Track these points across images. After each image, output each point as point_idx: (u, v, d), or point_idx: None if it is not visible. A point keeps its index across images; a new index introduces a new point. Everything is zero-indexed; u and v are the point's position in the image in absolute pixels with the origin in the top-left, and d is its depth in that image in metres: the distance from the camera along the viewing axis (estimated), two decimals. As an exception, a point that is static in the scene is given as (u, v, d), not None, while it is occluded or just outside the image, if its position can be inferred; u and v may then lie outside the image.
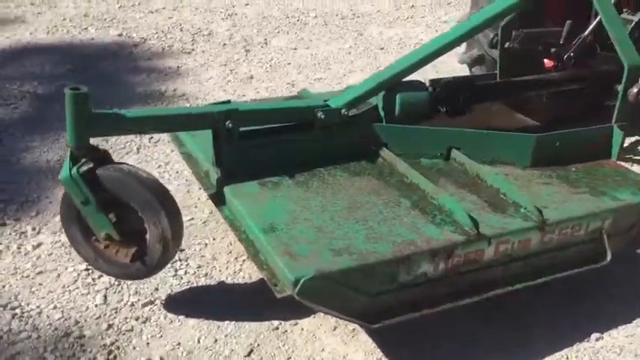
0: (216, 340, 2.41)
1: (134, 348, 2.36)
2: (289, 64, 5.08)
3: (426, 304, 2.16)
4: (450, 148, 2.67)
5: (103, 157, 2.28)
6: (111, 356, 2.31)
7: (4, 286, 2.62)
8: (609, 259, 2.44)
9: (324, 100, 2.60)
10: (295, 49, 5.41)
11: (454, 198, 2.36)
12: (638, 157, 3.78)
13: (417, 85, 2.76)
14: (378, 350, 2.39)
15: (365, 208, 2.30)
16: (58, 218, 2.68)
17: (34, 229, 2.99)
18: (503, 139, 2.66)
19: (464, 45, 4.09)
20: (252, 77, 4.81)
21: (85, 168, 2.15)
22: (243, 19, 6.06)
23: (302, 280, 1.91)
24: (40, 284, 2.65)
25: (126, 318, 2.49)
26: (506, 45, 3.32)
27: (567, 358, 2.40)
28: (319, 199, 2.34)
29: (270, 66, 5.02)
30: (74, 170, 2.16)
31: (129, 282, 2.65)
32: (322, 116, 2.51)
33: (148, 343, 2.38)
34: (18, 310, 2.49)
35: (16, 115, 4.08)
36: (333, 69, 5.01)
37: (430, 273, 2.15)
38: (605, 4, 2.77)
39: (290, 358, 2.36)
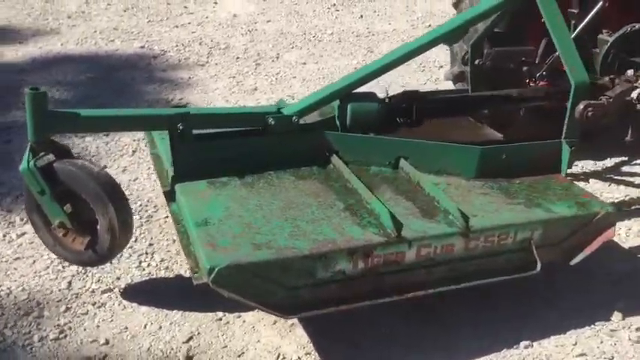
0: (160, 327, 2.59)
1: (84, 329, 2.57)
2: (294, 77, 5.28)
3: (344, 301, 2.29)
4: (399, 157, 2.79)
5: (62, 152, 2.51)
6: (62, 335, 2.52)
7: (-17, 269, 2.88)
8: (539, 269, 2.51)
9: (278, 107, 2.77)
10: (304, 63, 5.60)
11: (385, 203, 2.49)
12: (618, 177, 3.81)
13: (370, 97, 2.89)
14: (310, 345, 2.52)
15: (298, 209, 2.46)
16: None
17: (22, 219, 3.26)
18: (449, 150, 2.76)
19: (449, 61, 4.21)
20: (256, 89, 5.03)
21: (40, 161, 2.38)
22: (261, 34, 6.30)
23: (216, 269, 2.08)
24: (15, 269, 2.90)
25: (84, 302, 2.70)
26: (477, 62, 3.43)
27: (490, 363, 2.47)
28: (258, 198, 2.51)
29: (276, 79, 5.23)
30: (32, 163, 2.39)
31: (94, 270, 2.87)
32: (272, 122, 2.68)
33: (98, 326, 2.58)
34: (-11, 291, 2.74)
35: (30, 118, 4.39)
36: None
37: (349, 271, 2.28)
38: (554, 19, 2.85)
39: (225, 346, 2.51)
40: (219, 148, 2.67)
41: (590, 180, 3.82)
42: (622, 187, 3.75)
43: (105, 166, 3.84)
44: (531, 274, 2.51)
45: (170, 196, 2.64)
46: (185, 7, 7.07)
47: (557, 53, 3.37)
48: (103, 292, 2.76)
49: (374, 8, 7.24)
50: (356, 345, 2.51)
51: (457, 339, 2.56)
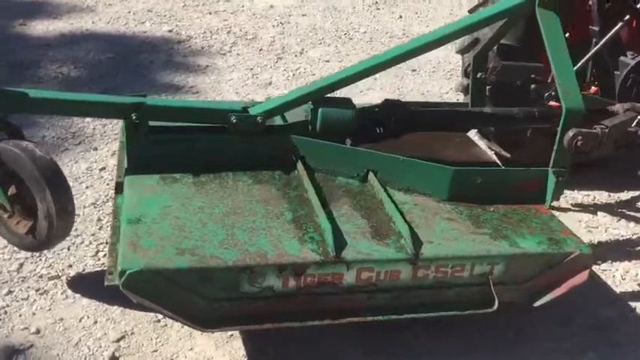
0: (96, 322, 2.51)
1: (20, 315, 2.51)
2: (313, 75, 5.13)
3: (273, 319, 2.14)
4: (368, 170, 2.61)
5: (14, 132, 2.45)
6: (-6, 319, 2.47)
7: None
8: (495, 307, 2.30)
9: (244, 106, 2.63)
10: (327, 61, 5.45)
11: (337, 218, 2.32)
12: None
13: (344, 102, 2.72)
14: (245, 358, 2.39)
15: (242, 215, 2.32)
16: None
17: None
18: (419, 167, 2.57)
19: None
20: (270, 83, 4.91)
21: None
22: (293, 28, 6.18)
23: (127, 272, 1.96)
24: (-26, 246, 2.87)
25: (28, 287, 2.65)
26: (479, 75, 3.20)
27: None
28: (204, 200, 2.38)
29: (294, 75, 5.09)
30: (-28, 142, 2.34)
31: (49, 254, 2.81)
32: (235, 121, 2.55)
33: (34, 314, 2.52)
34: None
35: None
36: (357, 85, 4.99)
37: (278, 288, 2.13)
38: (552, 36, 2.60)
39: (156, 350, 2.41)
40: (177, 143, 2.56)
41: (599, 213, 3.53)
42: (632, 224, 3.45)
43: (96, 148, 3.81)
44: (487, 312, 2.29)
45: (119, 187, 2.54)
46: (225, -6, 7.01)
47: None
48: (50, 278, 2.70)
49: (416, 10, 7.00)
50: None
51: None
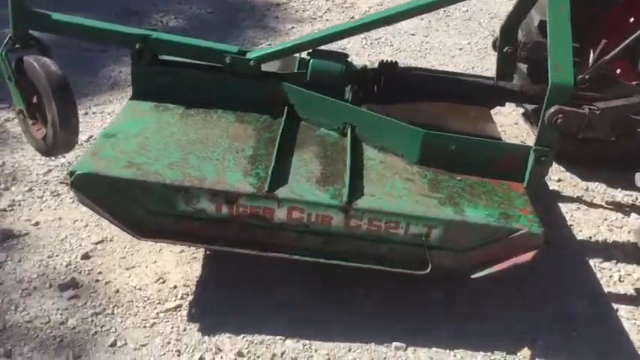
0: (86, 225, 2.84)
1: (29, 209, 2.91)
2: (391, 45, 5.15)
3: (203, 240, 2.31)
4: (346, 124, 2.67)
5: (43, 49, 2.80)
6: (9, 208, 2.89)
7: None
8: (428, 270, 2.29)
9: (240, 50, 2.78)
10: (413, 34, 5.42)
11: (289, 161, 2.42)
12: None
13: (337, 56, 2.78)
14: (194, 282, 2.58)
15: (205, 145, 2.49)
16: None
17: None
18: (393, 127, 2.58)
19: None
20: (344, 49, 5.00)
21: (6, 50, 2.68)
22: (394, 1, 6.18)
23: (76, 173, 2.22)
24: (23, 147, 3.30)
25: (46, 189, 3.04)
26: (505, 49, 3.10)
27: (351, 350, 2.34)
28: (179, 128, 2.58)
29: (371, 43, 5.15)
30: (4, 51, 2.71)
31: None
32: (229, 62, 2.71)
33: (41, 210, 2.91)
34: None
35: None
36: (429, 60, 4.95)
37: (211, 212, 2.28)
38: (557, 5, 2.47)
39: (124, 257, 2.68)
40: (176, 77, 2.76)
41: (633, 215, 3.29)
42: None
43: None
44: (419, 274, 2.29)
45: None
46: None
47: (608, 56, 2.95)
48: (66, 185, 3.05)
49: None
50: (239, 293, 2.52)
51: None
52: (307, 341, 2.37)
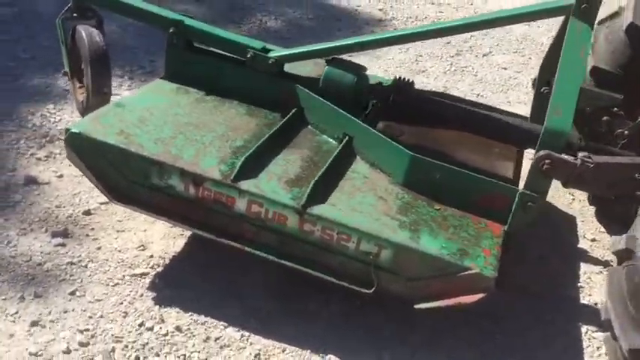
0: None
1: (60, 162, 3.18)
2: (475, 75, 5.03)
3: (169, 215, 2.43)
4: (346, 135, 2.69)
5: (97, 22, 3.07)
6: (45, 157, 3.18)
7: None
8: (372, 291, 2.27)
9: (265, 47, 2.88)
10: (505, 68, 5.26)
11: (270, 158, 2.49)
12: None
13: (354, 68, 2.80)
14: (172, 253, 2.71)
15: (200, 129, 2.61)
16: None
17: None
18: (385, 145, 2.55)
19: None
20: (424, 71, 4.96)
21: (63, 18, 2.98)
22: (500, 32, 6.02)
23: (70, 131, 2.43)
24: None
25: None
26: (542, 90, 2.96)
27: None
28: (186, 110, 2.73)
29: (455, 70, 5.06)
30: (61, 18, 3.01)
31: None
32: (250, 57, 2.83)
33: (69, 165, 3.16)
34: None
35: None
36: (508, 95, 4.79)
37: (180, 190, 2.40)
38: (574, 48, 2.35)
39: (120, 221, 2.86)
40: (203, 65, 2.92)
41: None
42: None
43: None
44: (364, 292, 2.27)
45: None
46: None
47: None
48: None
49: None
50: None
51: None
52: (247, 334, 2.41)
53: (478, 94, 4.71)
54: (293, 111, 2.79)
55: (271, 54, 2.84)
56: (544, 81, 2.94)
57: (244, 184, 2.34)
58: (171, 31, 2.88)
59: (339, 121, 2.70)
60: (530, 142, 2.98)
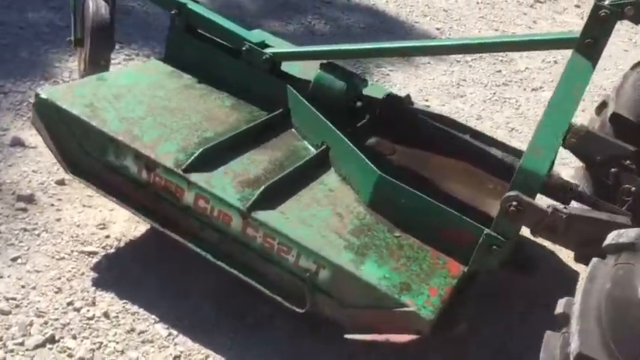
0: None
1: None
2: (517, 108, 4.76)
3: (118, 196, 2.36)
4: (324, 143, 2.54)
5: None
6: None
7: None
8: (302, 310, 2.11)
9: (263, 42, 2.77)
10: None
11: (236, 155, 2.38)
12: None
13: (347, 75, 2.65)
14: (131, 234, 2.64)
15: (174, 115, 2.53)
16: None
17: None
18: (357, 160, 2.39)
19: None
20: (464, 95, 4.75)
21: None
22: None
23: (39, 96, 2.40)
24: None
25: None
26: None
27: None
28: (170, 94, 2.64)
29: (497, 99, 4.81)
30: (71, -13, 3.01)
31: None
32: (245, 49, 2.73)
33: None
34: None
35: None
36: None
37: (134, 172, 2.32)
38: (569, 85, 2.15)
39: (91, 196, 2.81)
40: (200, 50, 2.84)
41: None
42: None
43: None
44: (296, 310, 2.11)
45: None
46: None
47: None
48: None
49: None
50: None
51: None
52: (176, 333, 2.30)
53: (512, 128, 4.44)
54: (278, 111, 2.66)
55: (268, 50, 2.72)
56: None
57: (194, 177, 2.23)
58: (173, 12, 2.81)
59: (319, 128, 2.55)
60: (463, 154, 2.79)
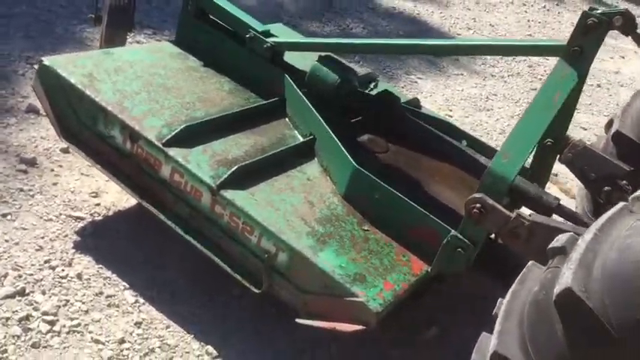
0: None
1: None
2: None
3: (104, 165, 2.44)
4: (312, 134, 2.57)
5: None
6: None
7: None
8: (258, 291, 2.14)
9: (267, 31, 2.82)
10: (585, 129, 4.84)
11: (222, 136, 2.43)
12: None
13: (343, 69, 2.67)
14: (121, 204, 2.73)
15: (169, 92, 2.59)
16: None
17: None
18: (337, 153, 2.39)
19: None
20: (487, 110, 4.68)
21: None
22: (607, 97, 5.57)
23: (42, 62, 2.51)
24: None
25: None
26: (546, 141, 2.66)
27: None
28: (169, 73, 2.71)
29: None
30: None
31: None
32: (249, 37, 2.78)
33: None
34: None
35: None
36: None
37: (119, 143, 2.40)
38: (551, 90, 2.12)
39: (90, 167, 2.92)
40: (208, 35, 2.91)
41: None
42: None
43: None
44: (252, 291, 2.15)
45: None
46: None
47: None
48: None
49: None
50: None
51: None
52: (142, 301, 2.37)
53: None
54: (273, 100, 2.71)
55: (270, 39, 2.77)
56: (551, 134, 2.64)
57: (173, 151, 2.29)
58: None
59: (308, 118, 2.58)
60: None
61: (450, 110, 4.51)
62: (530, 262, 1.67)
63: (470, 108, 4.63)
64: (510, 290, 1.58)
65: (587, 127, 4.88)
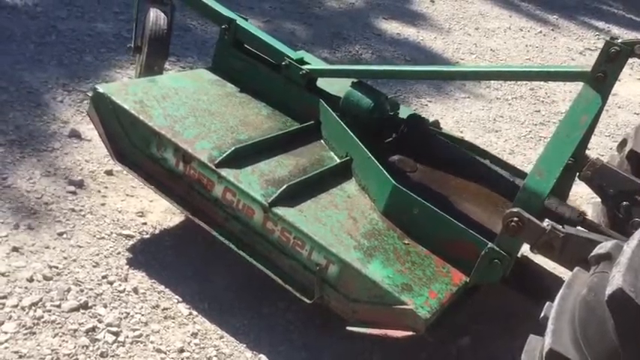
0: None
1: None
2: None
3: (159, 186, 2.60)
4: (348, 155, 2.74)
5: (170, 8, 3.33)
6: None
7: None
8: (310, 301, 2.30)
9: (301, 58, 3.01)
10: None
11: (265, 156, 2.60)
12: None
13: (375, 94, 2.85)
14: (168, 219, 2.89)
15: (214, 117, 2.77)
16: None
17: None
18: (375, 171, 2.57)
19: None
20: (497, 131, 4.88)
21: None
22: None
23: (96, 89, 2.68)
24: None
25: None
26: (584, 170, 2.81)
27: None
28: (211, 100, 2.89)
29: (515, 143, 4.93)
30: (138, -1, 3.33)
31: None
32: (284, 64, 2.97)
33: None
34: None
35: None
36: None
37: (172, 164, 2.56)
38: (578, 114, 2.29)
39: (134, 183, 3.08)
40: (246, 64, 3.09)
41: None
42: None
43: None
44: (303, 301, 2.30)
45: None
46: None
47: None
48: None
49: None
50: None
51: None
52: (196, 314, 2.51)
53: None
54: (309, 123, 2.88)
55: (305, 66, 2.96)
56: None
57: (225, 172, 2.46)
58: (223, 27, 3.09)
59: (344, 140, 2.76)
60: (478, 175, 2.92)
61: (461, 132, 4.70)
62: (576, 269, 1.84)
63: (479, 129, 4.83)
64: (559, 294, 1.75)
65: (590, 147, 5.06)
